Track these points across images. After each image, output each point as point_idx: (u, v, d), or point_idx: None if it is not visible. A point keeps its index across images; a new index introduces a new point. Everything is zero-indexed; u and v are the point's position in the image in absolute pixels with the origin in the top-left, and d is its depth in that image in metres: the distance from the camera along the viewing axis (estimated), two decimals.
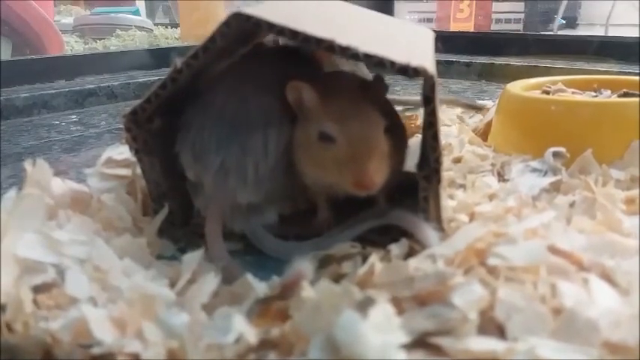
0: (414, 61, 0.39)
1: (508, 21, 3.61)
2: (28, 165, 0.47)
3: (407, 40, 0.49)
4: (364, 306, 0.31)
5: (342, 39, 0.40)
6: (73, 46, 1.85)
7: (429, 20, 2.95)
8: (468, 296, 0.33)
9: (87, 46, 1.86)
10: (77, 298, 0.35)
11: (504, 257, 0.36)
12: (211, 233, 0.44)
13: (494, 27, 2.95)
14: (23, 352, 0.32)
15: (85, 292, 0.35)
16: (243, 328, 0.32)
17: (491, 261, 0.36)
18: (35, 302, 0.35)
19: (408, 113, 0.66)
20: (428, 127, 0.42)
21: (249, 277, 0.37)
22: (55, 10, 1.90)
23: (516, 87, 0.69)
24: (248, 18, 0.40)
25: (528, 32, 2.35)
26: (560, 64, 1.46)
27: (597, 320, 0.31)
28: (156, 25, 2.31)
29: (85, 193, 0.50)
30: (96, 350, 0.31)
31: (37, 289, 0.36)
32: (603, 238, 0.40)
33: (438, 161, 0.42)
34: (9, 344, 0.32)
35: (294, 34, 0.39)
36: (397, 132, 0.47)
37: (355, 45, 0.39)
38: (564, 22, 3.80)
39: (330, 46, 0.39)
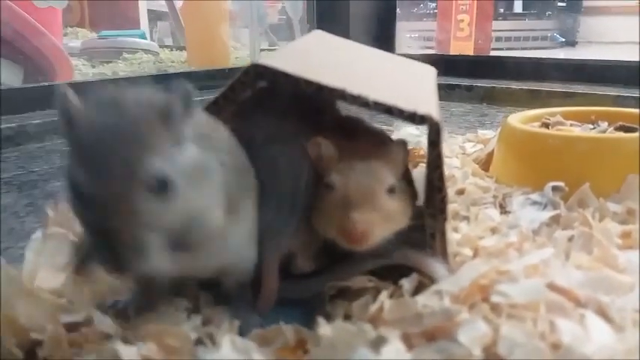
0: (421, 109, 0.42)
1: (508, 39, 3.67)
2: (50, 210, 0.50)
3: (412, 84, 0.52)
4: (377, 344, 0.34)
5: (353, 87, 0.43)
6: (81, 69, 1.88)
7: (429, 39, 3.00)
8: (473, 333, 0.35)
9: (94, 69, 1.90)
10: (108, 334, 0.37)
11: (506, 295, 0.38)
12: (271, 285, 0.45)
13: (495, 45, 2.98)
14: None
15: (114, 329, 0.37)
16: None
17: (494, 298, 0.39)
18: (68, 339, 0.38)
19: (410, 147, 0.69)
20: (434, 169, 0.45)
21: (282, 325, 0.39)
22: None
23: (516, 119, 0.72)
24: (266, 69, 0.42)
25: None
26: (559, 87, 1.49)
27: (592, 356, 0.33)
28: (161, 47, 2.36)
29: None
30: None
31: (69, 326, 0.39)
32: (599, 275, 0.43)
33: (443, 201, 0.45)
34: None
35: (308, 83, 0.42)
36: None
37: (365, 94, 0.42)
38: (563, 40, 3.85)
39: (342, 95, 0.42)
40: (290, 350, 0.38)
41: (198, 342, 0.37)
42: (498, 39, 3.51)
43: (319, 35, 0.62)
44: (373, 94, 0.43)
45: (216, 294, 0.44)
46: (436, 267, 0.44)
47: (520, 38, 3.71)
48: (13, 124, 1.19)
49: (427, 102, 0.47)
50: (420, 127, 0.93)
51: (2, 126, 1.17)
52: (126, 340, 0.37)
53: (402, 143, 0.48)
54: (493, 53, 2.28)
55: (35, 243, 0.46)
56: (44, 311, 0.39)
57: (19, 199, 0.85)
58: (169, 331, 0.37)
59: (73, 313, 0.39)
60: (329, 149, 0.45)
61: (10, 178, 0.96)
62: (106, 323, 0.38)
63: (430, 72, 0.62)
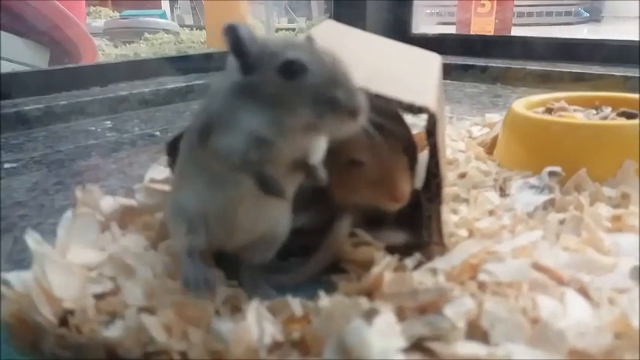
0: (419, 101, 0.45)
1: (530, 14, 3.60)
2: (78, 192, 0.55)
3: (415, 74, 0.55)
4: (370, 315, 0.38)
5: (358, 80, 0.46)
6: (104, 49, 1.93)
7: (449, 15, 2.97)
8: (459, 308, 0.39)
9: (117, 50, 1.95)
10: (133, 304, 0.42)
11: (492, 273, 0.42)
12: None
13: (517, 21, 2.93)
14: (89, 350, 0.40)
15: (139, 300, 0.42)
16: (272, 330, 0.39)
17: (481, 276, 0.42)
18: (97, 308, 0.42)
19: (417, 131, 0.72)
20: (431, 156, 0.48)
21: (289, 298, 0.42)
22: None
23: (520, 105, 0.74)
24: None
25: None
26: (577, 68, 1.49)
27: (565, 330, 0.36)
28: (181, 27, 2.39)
29: (134, 208, 0.57)
30: (150, 348, 0.38)
31: (98, 296, 0.44)
32: (584, 256, 0.46)
33: (438, 186, 0.48)
34: (79, 344, 0.40)
35: None
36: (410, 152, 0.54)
37: (368, 86, 0.45)
38: (588, 15, 3.76)
39: None
40: (296, 321, 0.42)
41: (216, 313, 0.41)
42: (520, 14, 3.45)
43: (330, 26, 0.64)
44: (376, 87, 0.46)
45: (229, 270, 0.48)
46: (391, 236, 0.50)
47: (543, 14, 3.64)
48: (41, 105, 1.23)
49: (427, 92, 0.50)
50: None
51: (31, 107, 1.22)
52: (150, 310, 0.41)
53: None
54: (515, 29, 2.25)
55: (66, 221, 0.51)
56: (75, 283, 0.44)
57: (49, 178, 0.90)
58: (189, 302, 0.41)
59: (101, 284, 0.44)
60: None
61: (39, 157, 1.01)
62: (132, 293, 0.43)
63: (435, 60, 0.64)
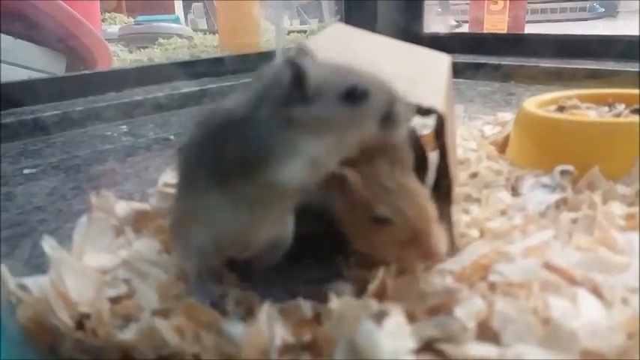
0: (426, 102, 0.45)
1: (544, 11, 3.57)
2: (93, 197, 0.56)
3: (424, 75, 0.55)
4: (380, 317, 0.38)
5: None
6: (119, 55, 1.96)
7: (461, 13, 2.95)
8: (470, 308, 0.39)
9: (132, 55, 1.97)
10: (147, 307, 0.42)
11: (503, 274, 0.42)
12: None
13: (531, 17, 2.90)
14: (106, 353, 0.40)
15: (153, 303, 0.43)
16: (282, 333, 0.39)
17: (492, 277, 0.42)
18: (112, 311, 0.43)
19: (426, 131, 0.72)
20: (440, 157, 0.48)
21: (300, 300, 0.43)
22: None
23: (532, 103, 0.73)
24: None
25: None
26: (591, 64, 1.47)
27: (577, 330, 0.36)
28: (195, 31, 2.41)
29: (148, 212, 0.58)
30: (163, 351, 0.39)
31: (113, 300, 0.45)
32: (596, 255, 0.46)
33: (448, 187, 0.48)
34: (95, 347, 0.40)
35: None
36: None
37: None
38: (603, 10, 3.71)
39: None
40: (307, 323, 0.43)
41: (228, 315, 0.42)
42: (534, 11, 3.42)
43: (338, 29, 0.65)
44: None
45: (241, 274, 0.49)
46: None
47: (557, 10, 3.61)
48: (58, 111, 1.25)
49: (435, 93, 0.50)
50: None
51: (48, 113, 1.25)
52: (163, 313, 0.42)
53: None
54: (529, 26, 2.23)
55: (81, 226, 0.52)
56: (91, 287, 0.45)
57: (66, 183, 0.92)
58: (200, 306, 0.42)
59: (116, 288, 0.45)
60: (354, 178, 0.45)
61: (56, 163, 1.03)
62: (146, 296, 0.43)
63: (444, 60, 0.64)
